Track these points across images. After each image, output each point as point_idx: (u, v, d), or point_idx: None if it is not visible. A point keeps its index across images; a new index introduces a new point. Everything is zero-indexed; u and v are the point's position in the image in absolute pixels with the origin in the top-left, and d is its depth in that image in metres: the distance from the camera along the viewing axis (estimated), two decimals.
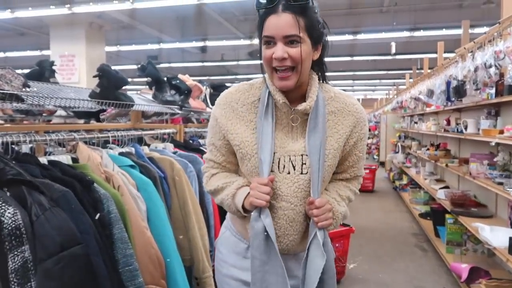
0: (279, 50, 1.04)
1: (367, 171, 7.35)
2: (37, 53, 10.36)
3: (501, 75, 2.80)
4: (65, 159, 1.48)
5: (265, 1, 1.06)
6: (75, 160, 1.54)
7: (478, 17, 7.93)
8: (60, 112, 3.28)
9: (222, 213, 2.12)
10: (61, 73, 8.04)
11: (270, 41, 1.06)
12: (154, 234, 1.58)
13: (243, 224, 1.21)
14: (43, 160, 1.37)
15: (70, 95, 1.96)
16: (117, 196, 1.42)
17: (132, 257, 1.38)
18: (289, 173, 1.13)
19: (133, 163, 1.71)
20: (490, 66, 2.67)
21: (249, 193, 1.12)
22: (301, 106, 1.12)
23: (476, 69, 2.83)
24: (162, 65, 12.63)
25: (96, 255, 1.20)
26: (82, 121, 3.10)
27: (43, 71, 1.90)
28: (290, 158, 1.13)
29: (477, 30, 7.09)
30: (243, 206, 1.15)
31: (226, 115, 1.17)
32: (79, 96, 1.98)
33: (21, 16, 7.14)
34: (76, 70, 8.00)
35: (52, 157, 1.44)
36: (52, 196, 1.16)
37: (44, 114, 3.57)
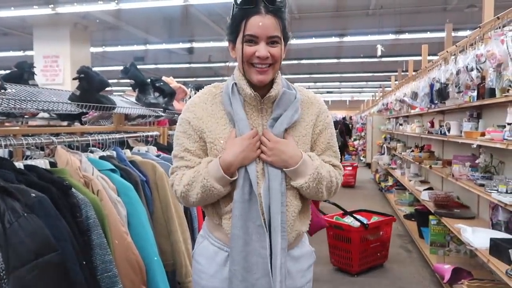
0: (263, 49, 1.10)
1: (350, 167, 8.41)
2: (20, 53, 10.17)
3: (483, 78, 2.85)
4: (42, 163, 1.45)
5: (246, 1, 1.11)
6: (53, 164, 1.51)
7: (462, 20, 8.07)
8: (43, 114, 3.22)
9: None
10: (45, 74, 7.92)
11: (252, 40, 1.11)
12: (134, 239, 1.56)
13: (223, 230, 1.20)
14: (19, 164, 1.34)
15: (50, 98, 1.92)
16: (96, 201, 1.39)
17: (111, 263, 1.36)
18: (263, 169, 1.17)
19: (113, 167, 1.69)
20: (472, 69, 2.71)
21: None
22: (271, 93, 1.16)
23: (458, 72, 2.87)
24: (148, 66, 12.53)
25: (73, 262, 1.18)
26: (65, 123, 3.05)
27: (22, 73, 1.86)
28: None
29: (460, 34, 7.21)
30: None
31: (197, 115, 1.19)
32: (59, 99, 1.95)
33: (4, 16, 7.00)
34: (60, 71, 7.88)
35: (29, 162, 1.40)
36: (27, 202, 1.13)
37: (26, 116, 3.50)
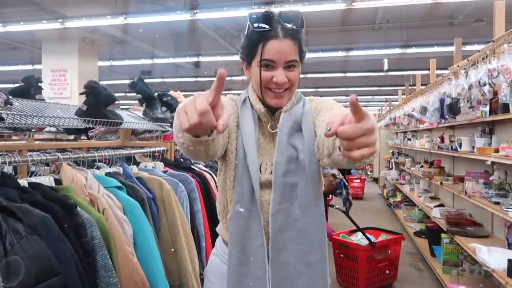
0: (281, 75, 1.07)
1: (358, 180, 8.70)
2: (28, 67, 10.28)
3: (495, 93, 2.79)
4: (47, 180, 1.41)
5: (262, 24, 1.06)
6: (58, 181, 1.47)
7: (469, 35, 8.04)
8: (50, 128, 3.20)
9: (214, 234, 2.05)
10: (53, 88, 7.97)
11: (269, 65, 1.08)
12: (140, 260, 1.50)
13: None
14: (23, 182, 1.30)
15: (56, 113, 1.89)
16: (101, 221, 1.35)
17: (116, 286, 1.30)
18: (271, 173, 1.13)
19: (120, 184, 1.64)
20: (484, 84, 2.65)
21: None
22: (282, 110, 1.14)
23: (470, 87, 2.82)
24: (155, 80, 12.61)
25: (76, 286, 1.12)
26: (72, 137, 3.03)
27: (29, 88, 1.84)
28: (270, 159, 1.14)
29: (468, 48, 7.18)
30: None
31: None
32: (66, 114, 1.92)
33: (13, 30, 7.09)
34: (68, 85, 7.93)
35: (33, 179, 1.36)
36: (30, 223, 1.08)
37: (33, 130, 3.49)
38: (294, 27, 1.07)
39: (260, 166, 1.13)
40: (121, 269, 1.38)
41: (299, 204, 1.10)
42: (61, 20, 6.53)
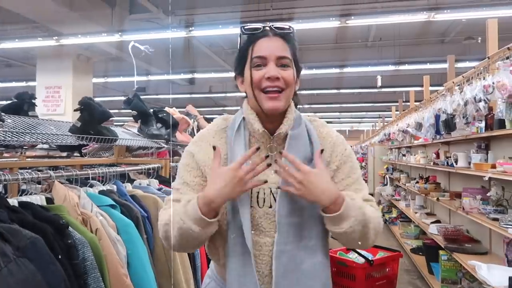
0: (273, 69, 1.02)
1: None
2: (22, 84, 10.25)
3: (490, 109, 2.81)
4: (38, 199, 1.37)
5: (254, 28, 1.07)
6: (50, 200, 1.42)
7: (460, 52, 8.18)
8: (42, 145, 3.16)
9: None
10: (46, 105, 7.93)
11: (260, 64, 1.04)
12: (134, 281, 1.45)
13: (222, 268, 1.11)
14: (13, 201, 1.25)
15: (49, 130, 1.85)
16: (94, 241, 1.30)
17: None
18: (270, 207, 1.04)
19: (113, 203, 1.60)
20: (480, 100, 2.67)
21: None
22: (280, 129, 1.06)
23: (466, 103, 2.83)
24: (149, 97, 12.61)
25: None
26: (65, 154, 2.98)
27: (22, 104, 1.81)
28: (271, 191, 1.05)
29: (459, 65, 7.29)
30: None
31: (202, 150, 1.10)
32: (59, 131, 1.88)
33: (8, 47, 7.09)
34: (62, 102, 7.89)
35: (23, 198, 1.32)
36: (19, 244, 1.03)
37: (25, 147, 3.44)
38: (284, 29, 1.07)
39: (258, 195, 1.05)
40: None
41: (304, 245, 1.03)
42: (56, 37, 6.55)
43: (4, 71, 10.69)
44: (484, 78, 2.67)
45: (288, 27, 1.08)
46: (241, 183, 0.96)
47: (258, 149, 1.01)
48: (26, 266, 0.98)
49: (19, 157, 2.96)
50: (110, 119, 1.99)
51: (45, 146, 3.19)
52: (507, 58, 2.38)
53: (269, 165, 1.01)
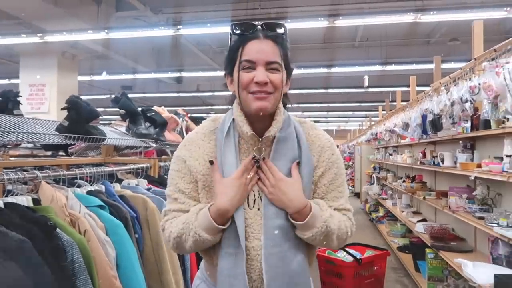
0: (261, 74, 1.01)
1: None
2: (5, 81, 10.03)
3: (476, 110, 2.85)
4: (25, 200, 1.33)
5: (244, 28, 1.05)
6: (37, 201, 1.39)
7: (445, 53, 8.31)
8: (27, 144, 3.09)
9: (198, 253, 1.99)
10: (30, 103, 7.77)
11: (249, 66, 1.03)
12: (124, 283, 1.43)
13: (213, 269, 1.09)
14: None
15: (35, 129, 1.81)
16: (82, 243, 1.27)
17: None
18: (259, 209, 1.06)
19: (102, 203, 1.57)
20: (466, 101, 2.71)
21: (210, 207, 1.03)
22: (269, 132, 1.06)
23: (452, 104, 2.87)
24: (136, 95, 12.49)
25: None
26: (49, 153, 2.92)
27: (6, 102, 1.76)
28: (259, 194, 1.06)
29: (444, 66, 7.41)
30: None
31: (193, 156, 1.09)
32: (45, 130, 1.84)
33: None
34: (46, 100, 7.75)
35: (9, 199, 1.28)
36: (6, 247, 1.01)
37: (8, 146, 3.36)
38: (276, 30, 1.05)
39: (248, 197, 1.06)
40: None
41: (289, 246, 1.04)
42: (40, 34, 6.42)
43: None
44: (470, 79, 2.71)
45: (280, 28, 1.06)
46: (246, 189, 1.04)
47: (254, 158, 1.06)
48: (13, 270, 0.95)
49: (2, 157, 2.90)
50: (97, 118, 1.96)
51: (29, 145, 3.12)
52: (493, 59, 2.43)
53: (258, 167, 1.05)
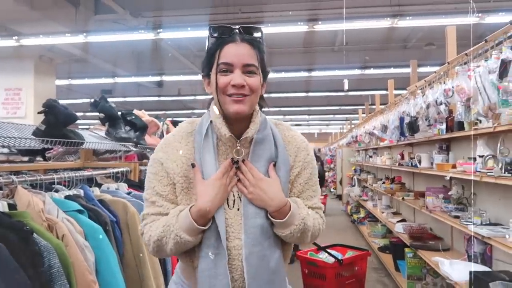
0: (238, 77, 1.03)
1: (322, 197, 8.53)
2: None
3: (450, 112, 2.94)
4: (0, 206, 1.31)
5: (221, 31, 1.07)
6: (13, 206, 1.36)
7: (422, 57, 8.51)
8: (2, 148, 3.01)
9: None
10: (6, 107, 7.58)
11: (226, 69, 1.05)
12: (103, 287, 1.42)
13: (193, 271, 1.09)
14: None
15: (10, 133, 1.78)
16: (60, 247, 1.26)
17: None
18: (238, 209, 1.08)
19: (81, 208, 1.56)
20: (441, 103, 2.79)
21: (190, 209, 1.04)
22: (247, 133, 1.08)
23: (428, 106, 2.95)
24: (116, 99, 12.32)
25: None
26: (26, 158, 2.86)
27: None
28: (238, 194, 1.08)
29: (420, 70, 7.59)
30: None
31: (170, 158, 1.09)
32: (21, 134, 1.81)
33: None
34: (22, 104, 7.56)
35: None
36: None
37: None
38: (252, 34, 1.08)
39: (228, 197, 1.08)
40: None
41: (269, 244, 1.06)
42: (16, 37, 6.27)
43: None
44: (444, 83, 2.80)
45: (257, 32, 1.09)
46: (226, 190, 1.06)
47: (232, 160, 1.08)
48: None
49: None
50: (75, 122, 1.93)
51: (5, 150, 3.05)
52: (465, 63, 2.51)
53: (237, 168, 1.08)
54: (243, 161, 1.08)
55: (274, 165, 1.10)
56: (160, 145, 1.14)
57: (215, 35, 1.07)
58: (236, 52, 1.04)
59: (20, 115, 7.51)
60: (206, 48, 1.10)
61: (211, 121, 1.10)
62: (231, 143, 1.10)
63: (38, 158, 2.69)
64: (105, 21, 7.12)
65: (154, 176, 1.10)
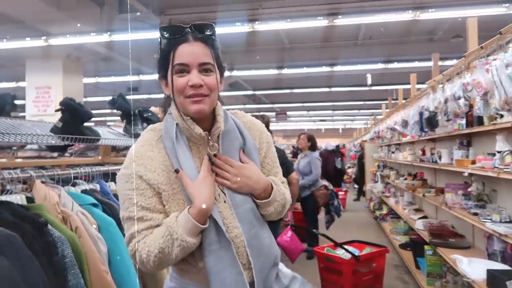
0: (195, 77, 1.03)
1: (342, 193, 8.98)
2: (12, 84, 10.18)
3: (471, 106, 2.87)
4: (19, 199, 1.39)
5: (173, 31, 1.07)
6: (31, 199, 1.45)
7: (449, 50, 8.26)
8: (31, 145, 3.17)
9: None
10: (37, 105, 7.91)
11: (183, 70, 1.05)
12: (115, 278, 1.49)
13: (195, 274, 1.09)
14: None
15: (33, 130, 1.87)
16: (73, 239, 1.33)
17: None
18: (225, 201, 1.11)
19: (95, 201, 1.63)
20: (459, 98, 2.72)
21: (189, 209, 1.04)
22: (215, 129, 1.10)
23: (446, 101, 2.88)
24: (142, 96, 12.59)
25: None
26: (56, 154, 2.99)
27: (3, 105, 1.82)
28: (220, 187, 1.11)
29: (447, 63, 7.37)
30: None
31: (148, 168, 1.06)
32: (43, 131, 1.91)
33: None
34: (52, 102, 7.86)
35: (3, 197, 1.34)
36: None
37: (14, 148, 3.44)
38: (205, 32, 1.07)
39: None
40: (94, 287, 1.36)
41: (259, 224, 1.13)
42: (44, 37, 6.52)
43: None
44: (463, 77, 2.73)
45: (209, 29, 1.08)
46: (214, 185, 1.09)
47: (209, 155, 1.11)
48: (2, 263, 1.01)
49: (8, 158, 2.98)
50: (100, 118, 2.02)
51: (35, 146, 3.21)
52: (484, 57, 2.44)
53: (212, 164, 1.10)
54: (214, 155, 1.10)
55: (244, 151, 1.15)
56: (129, 159, 1.09)
57: (167, 35, 1.06)
58: (190, 51, 1.04)
59: (50, 113, 7.82)
60: (159, 49, 1.10)
61: (176, 124, 1.09)
62: (201, 141, 1.11)
63: (66, 154, 2.82)
64: (129, 20, 7.28)
65: (135, 192, 1.05)
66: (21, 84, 9.49)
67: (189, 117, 1.08)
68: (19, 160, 2.90)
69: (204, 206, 1.02)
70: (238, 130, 1.16)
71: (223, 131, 1.12)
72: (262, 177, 1.14)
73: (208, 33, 1.08)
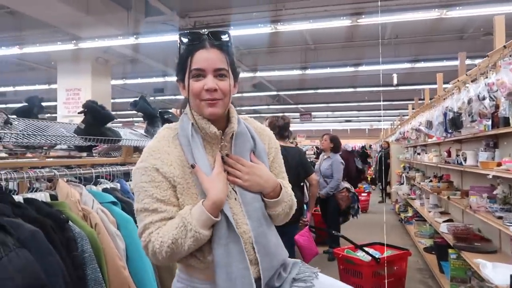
0: (211, 81, 1.11)
1: (365, 194, 9.08)
2: (45, 87, 10.61)
3: (497, 107, 2.78)
4: (43, 196, 1.47)
5: (192, 38, 1.14)
6: (54, 197, 1.53)
7: (479, 48, 7.99)
8: (60, 145, 3.31)
9: None
10: (67, 107, 8.23)
11: (199, 74, 1.12)
12: (133, 273, 1.54)
13: (203, 270, 1.13)
14: (19, 198, 1.36)
15: (59, 132, 1.97)
16: (92, 235, 1.40)
17: None
18: (235, 198, 1.15)
19: (115, 200, 1.70)
20: (484, 98, 2.65)
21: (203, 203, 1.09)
22: (229, 129, 1.17)
23: (469, 101, 2.81)
24: (167, 97, 12.84)
25: None
26: (85, 154, 3.12)
27: (31, 107, 1.93)
28: (231, 185, 1.16)
29: (477, 61, 7.14)
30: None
31: (165, 162, 1.11)
32: (70, 133, 2.00)
33: (30, 51, 7.38)
34: (81, 103, 8.12)
35: (29, 195, 1.42)
36: (20, 237, 1.13)
37: (45, 148, 3.61)
38: (221, 39, 1.14)
39: None
40: (112, 282, 1.42)
41: (267, 223, 1.17)
42: (74, 41, 6.77)
43: (28, 74, 11.09)
44: (487, 77, 2.65)
45: (225, 36, 1.15)
46: (227, 181, 1.14)
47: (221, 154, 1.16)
48: (25, 256, 1.08)
49: (39, 157, 3.11)
50: (127, 119, 2.09)
51: (64, 146, 3.35)
52: (509, 56, 2.36)
53: (224, 162, 1.16)
54: (227, 155, 1.16)
55: (254, 154, 1.20)
56: (146, 153, 1.14)
57: (185, 41, 1.14)
58: (206, 57, 1.12)
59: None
60: (178, 54, 1.17)
61: (192, 123, 1.16)
62: (215, 140, 1.17)
63: (94, 154, 2.93)
64: (155, 23, 7.46)
65: (150, 184, 1.09)
66: (53, 86, 9.88)
67: (204, 118, 1.15)
68: (49, 159, 3.04)
69: (219, 198, 1.07)
70: (249, 134, 1.22)
71: (236, 133, 1.18)
72: (272, 177, 1.19)
73: (224, 39, 1.15)
